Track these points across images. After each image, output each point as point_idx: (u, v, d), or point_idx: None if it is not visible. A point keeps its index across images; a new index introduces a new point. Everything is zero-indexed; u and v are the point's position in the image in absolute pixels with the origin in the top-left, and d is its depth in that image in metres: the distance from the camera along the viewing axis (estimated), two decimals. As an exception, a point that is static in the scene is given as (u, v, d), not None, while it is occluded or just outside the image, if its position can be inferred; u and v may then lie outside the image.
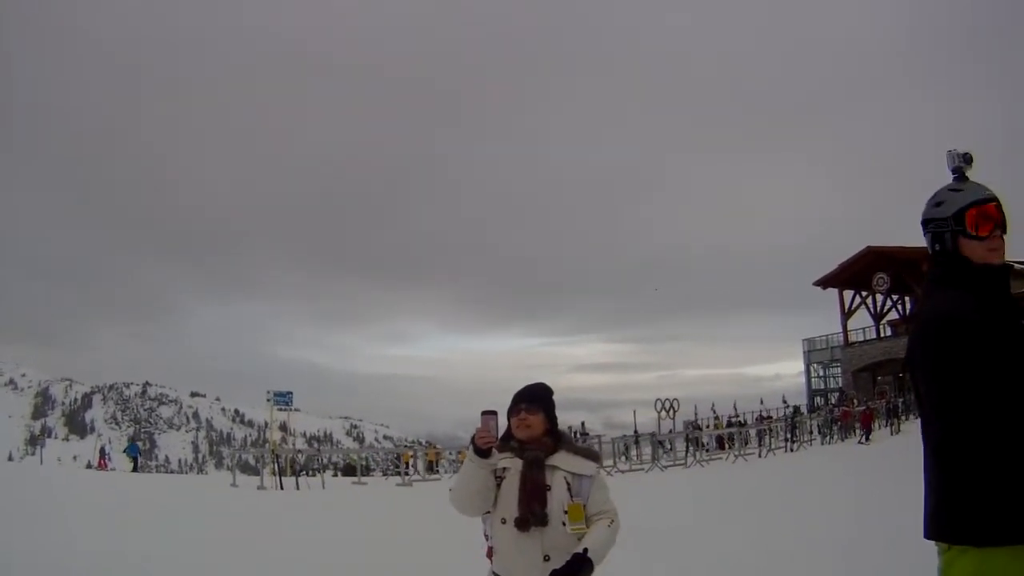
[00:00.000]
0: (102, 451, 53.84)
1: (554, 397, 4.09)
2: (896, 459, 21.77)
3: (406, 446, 51.07)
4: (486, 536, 3.93)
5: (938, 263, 3.20)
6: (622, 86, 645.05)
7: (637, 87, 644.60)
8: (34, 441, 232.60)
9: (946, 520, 2.92)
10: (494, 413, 3.83)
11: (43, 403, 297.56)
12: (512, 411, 3.94)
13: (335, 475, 35.78)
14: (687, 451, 31.85)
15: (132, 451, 43.04)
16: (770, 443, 33.47)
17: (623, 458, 32.01)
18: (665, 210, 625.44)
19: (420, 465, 34.17)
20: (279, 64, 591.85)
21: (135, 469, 39.68)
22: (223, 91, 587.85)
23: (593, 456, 3.99)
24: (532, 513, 3.67)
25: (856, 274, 52.56)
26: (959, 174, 3.19)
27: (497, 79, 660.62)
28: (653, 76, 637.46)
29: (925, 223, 3.24)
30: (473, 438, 3.75)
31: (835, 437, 35.25)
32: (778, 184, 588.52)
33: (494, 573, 3.87)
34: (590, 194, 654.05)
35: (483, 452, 3.73)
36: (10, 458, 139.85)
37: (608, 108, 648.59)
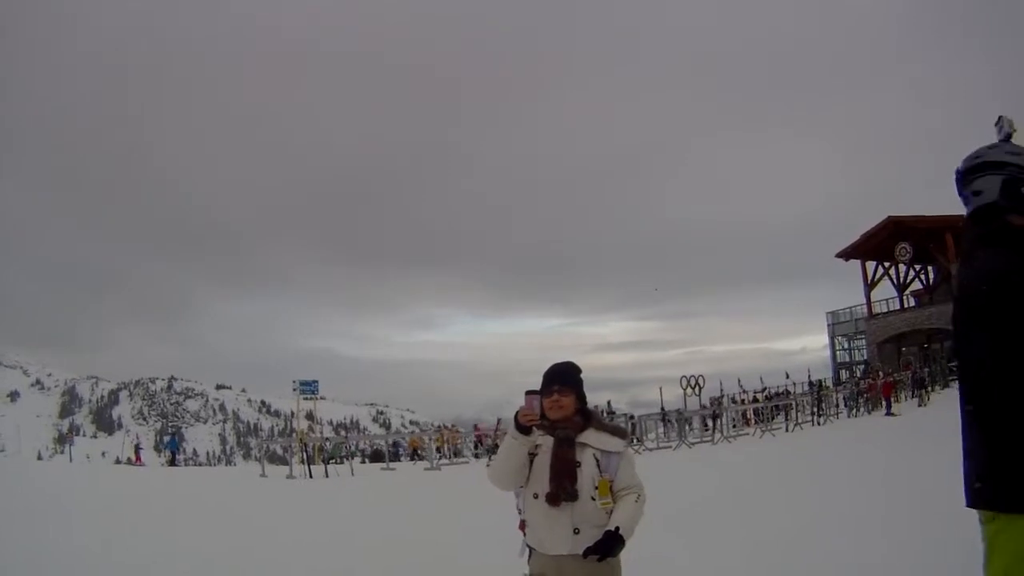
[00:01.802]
0: (137, 448, 54.53)
1: (582, 376, 4.19)
2: (925, 430, 21.72)
3: (420, 430, 51.22)
4: (519, 510, 4.08)
5: (980, 221, 3.10)
6: (642, 65, 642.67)
7: (658, 64, 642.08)
8: (62, 439, 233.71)
9: (995, 488, 2.84)
10: (538, 393, 3.97)
11: (70, 402, 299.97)
12: (545, 392, 4.01)
13: (363, 462, 35.80)
14: (713, 427, 31.78)
15: (171, 445, 43.45)
16: (796, 417, 33.34)
17: (651, 435, 32.00)
18: (686, 187, 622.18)
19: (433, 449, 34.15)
20: (290, 57, 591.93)
21: (173, 462, 39.99)
22: (236, 88, 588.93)
23: (621, 433, 4.14)
24: (563, 489, 3.82)
25: (878, 245, 52.15)
26: (1009, 141, 3.14)
27: (512, 62, 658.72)
28: (673, 53, 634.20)
29: (996, 164, 3.12)
30: (516, 415, 3.90)
31: (861, 410, 35.04)
32: (799, 156, 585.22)
33: (527, 545, 4.05)
34: (611, 173, 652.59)
35: (525, 429, 3.87)
36: (39, 457, 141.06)
37: (627, 87, 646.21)
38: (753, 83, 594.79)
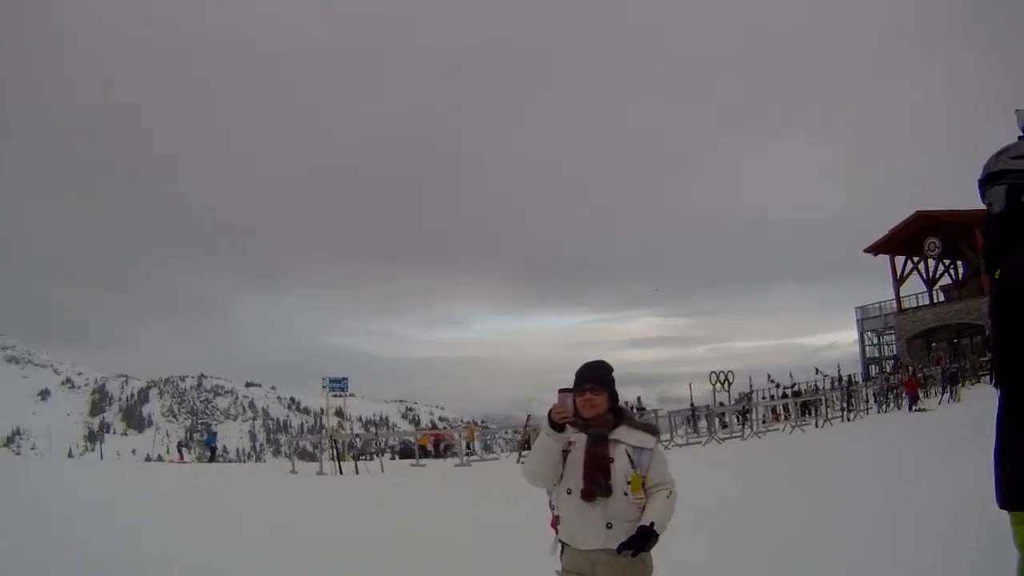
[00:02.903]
0: (179, 445, 55.34)
1: (613, 374, 4.24)
2: (956, 427, 21.42)
3: (450, 427, 51.27)
4: (551, 506, 4.20)
5: (1016, 216, 3.15)
6: (665, 63, 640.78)
7: (681, 62, 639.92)
8: (93, 437, 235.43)
9: None
10: (571, 391, 4.02)
11: (100, 400, 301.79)
12: (578, 390, 4.07)
13: (392, 458, 35.98)
14: (743, 423, 31.74)
15: (210, 441, 43.79)
16: (826, 413, 33.23)
17: (680, 431, 32.00)
18: (713, 183, 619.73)
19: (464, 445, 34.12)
20: (308, 56, 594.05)
21: (212, 459, 40.31)
22: (260, 88, 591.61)
23: (652, 430, 4.22)
24: (597, 485, 3.91)
25: (907, 240, 51.82)
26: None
27: (530, 59, 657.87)
28: (695, 51, 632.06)
29: (999, 174, 3.20)
30: (550, 413, 3.99)
31: (891, 406, 34.79)
32: (828, 152, 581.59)
33: (560, 541, 4.14)
34: (638, 170, 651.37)
35: (559, 427, 3.96)
36: (70, 455, 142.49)
37: (651, 85, 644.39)
38: (778, 80, 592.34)
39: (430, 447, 39.34)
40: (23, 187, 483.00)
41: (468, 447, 34.21)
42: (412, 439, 40.73)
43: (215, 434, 47.62)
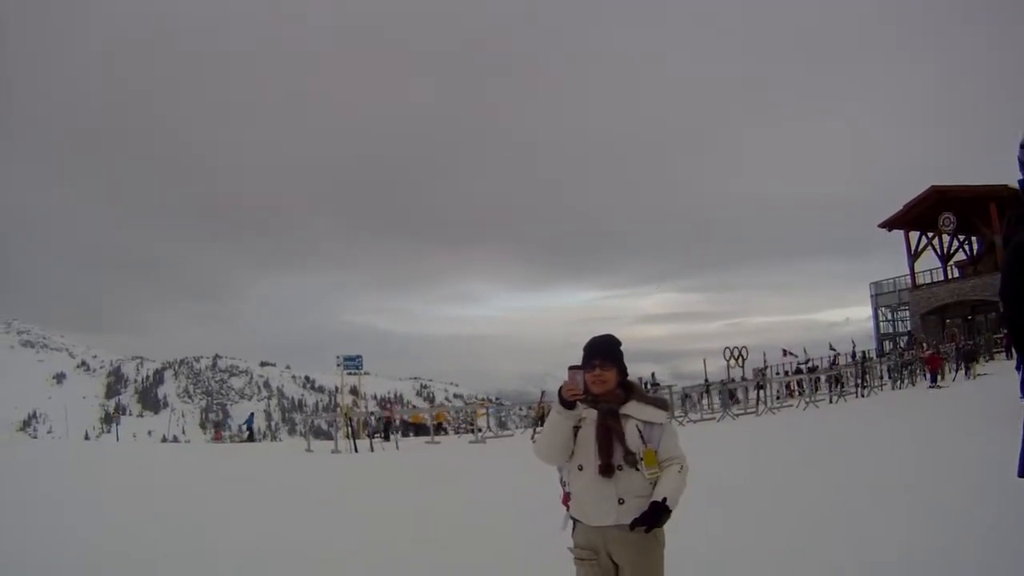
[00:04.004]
0: (217, 425, 56.08)
1: (622, 348, 4.23)
2: (974, 403, 21.37)
3: (465, 403, 51.36)
4: (563, 483, 4.17)
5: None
6: (690, 40, 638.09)
7: (704, 41, 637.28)
8: (109, 419, 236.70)
9: None
10: (581, 368, 4.01)
11: (116, 382, 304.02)
12: (586, 366, 4.05)
13: (406, 435, 36.11)
14: (757, 398, 31.73)
15: (249, 422, 44.14)
16: (840, 389, 33.21)
17: (694, 407, 32.01)
18: (728, 159, 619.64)
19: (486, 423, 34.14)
20: (327, 33, 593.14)
21: (251, 439, 40.58)
22: (273, 69, 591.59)
23: (662, 405, 4.17)
24: (619, 458, 3.88)
25: (921, 215, 51.53)
26: None
27: (549, 37, 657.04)
28: (714, 27, 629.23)
29: None
30: (560, 391, 3.96)
31: (906, 382, 34.73)
32: (840, 128, 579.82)
33: (571, 518, 4.11)
34: (651, 146, 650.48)
35: (570, 404, 3.94)
36: (86, 437, 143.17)
37: (665, 60, 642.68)
38: (793, 58, 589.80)
39: (446, 425, 39.56)
40: (38, 173, 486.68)
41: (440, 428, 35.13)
42: (427, 417, 40.91)
43: (253, 415, 47.94)
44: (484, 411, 37.96)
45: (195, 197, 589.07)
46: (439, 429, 36.78)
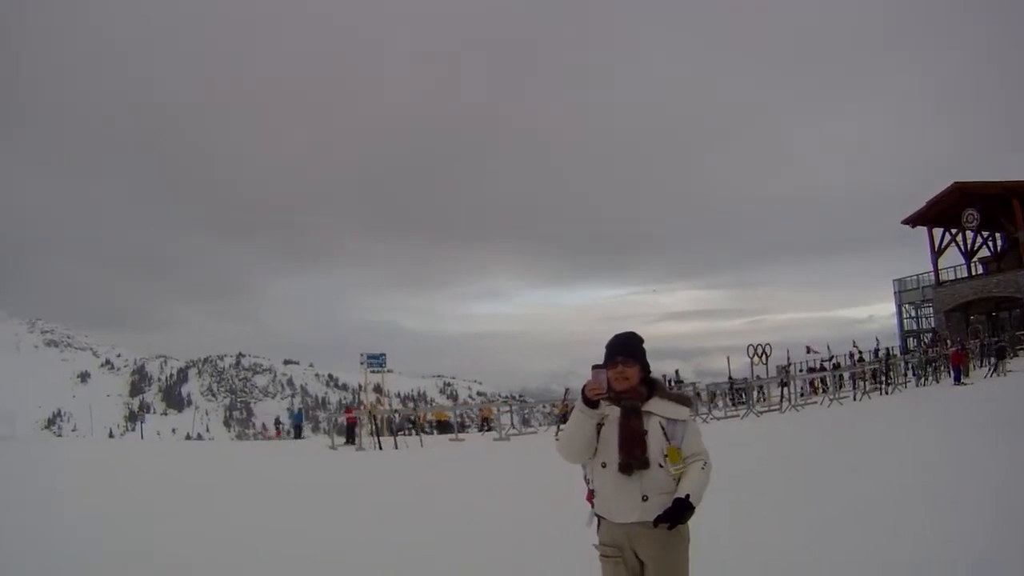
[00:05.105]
0: (276, 421, 56.35)
1: (644, 346, 4.29)
2: (1000, 401, 21.30)
3: (489, 401, 51.46)
4: (587, 480, 4.24)
5: None
6: (709, 39, 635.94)
7: (721, 38, 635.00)
8: (133, 417, 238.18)
9: None
10: (604, 367, 4.08)
11: (140, 380, 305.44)
12: (609, 364, 4.13)
13: (431, 433, 36.25)
14: (781, 396, 31.68)
15: (296, 419, 44.44)
16: (864, 386, 33.11)
17: (718, 405, 32.01)
18: (752, 156, 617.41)
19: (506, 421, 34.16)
20: (343, 30, 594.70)
21: (299, 436, 40.85)
22: (288, 65, 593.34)
23: (685, 402, 4.22)
24: (635, 457, 3.95)
25: (944, 211, 51.10)
26: None
27: (572, 32, 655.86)
28: (737, 26, 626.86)
29: None
30: (584, 389, 4.03)
31: (930, 379, 34.46)
32: (863, 125, 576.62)
33: (595, 515, 4.20)
34: (675, 143, 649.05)
35: (593, 403, 4.00)
36: (111, 435, 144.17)
37: (686, 56, 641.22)
38: (816, 55, 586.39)
39: (469, 422, 39.68)
40: (60, 176, 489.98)
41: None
42: (451, 414, 41.00)
43: (301, 412, 48.17)
44: (494, 410, 38.06)
45: (218, 195, 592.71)
46: (463, 427, 36.96)
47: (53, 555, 9.33)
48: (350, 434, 32.26)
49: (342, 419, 35.87)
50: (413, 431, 34.64)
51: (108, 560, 9.09)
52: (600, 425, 4.06)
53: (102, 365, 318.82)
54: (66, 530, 11.06)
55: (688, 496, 3.88)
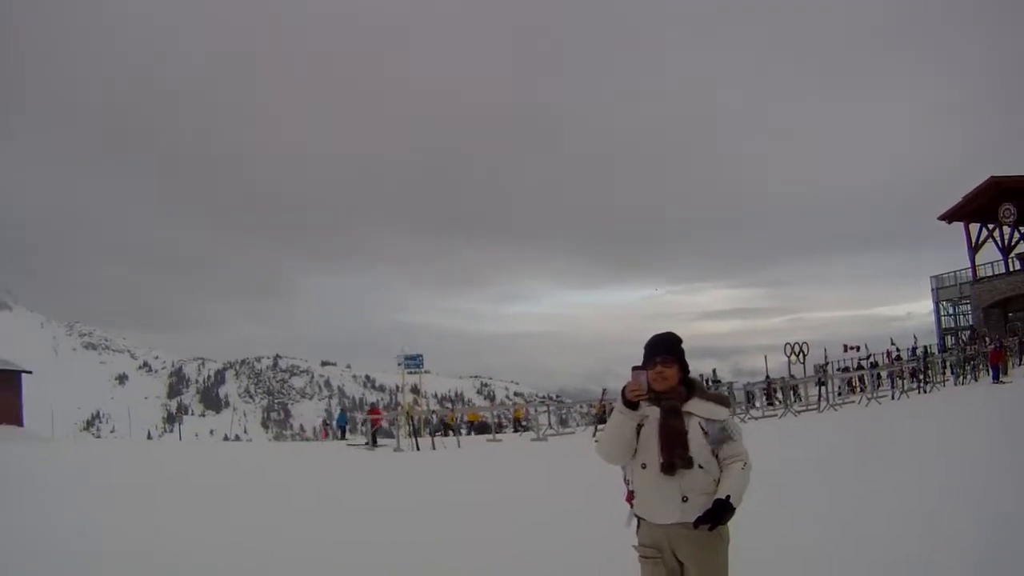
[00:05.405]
0: (324, 423, 56.86)
1: (683, 345, 4.27)
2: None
3: (526, 402, 51.60)
4: (626, 481, 4.25)
5: None
6: (744, 29, 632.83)
7: (759, 29, 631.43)
8: (171, 419, 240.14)
9: None
10: (644, 368, 4.09)
11: (177, 382, 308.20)
12: (648, 364, 4.12)
13: (468, 433, 36.48)
14: (819, 395, 31.58)
15: (341, 421, 44.82)
16: (903, 385, 32.90)
17: (755, 404, 32.00)
18: (782, 152, 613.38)
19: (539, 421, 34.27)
20: (375, 30, 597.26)
21: (343, 437, 41.26)
22: (325, 62, 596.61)
23: (724, 402, 4.23)
24: (678, 456, 3.94)
25: (981, 207, 50.53)
26: None
27: (600, 25, 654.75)
28: (768, 12, 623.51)
29: None
30: (623, 391, 4.07)
31: (969, 377, 34.15)
32: (900, 120, 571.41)
33: (635, 516, 4.20)
34: (702, 139, 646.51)
35: (633, 404, 4.04)
36: (149, 436, 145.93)
37: (729, 53, 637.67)
38: (852, 47, 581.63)
39: (506, 422, 39.85)
40: (97, 179, 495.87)
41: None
42: (488, 415, 41.17)
43: (345, 412, 48.58)
44: (531, 410, 38.19)
45: (253, 197, 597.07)
46: (499, 427, 37.16)
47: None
48: (373, 436, 32.51)
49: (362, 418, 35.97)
50: (450, 431, 34.76)
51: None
52: (640, 426, 4.08)
53: (140, 367, 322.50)
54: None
55: (728, 497, 3.89)
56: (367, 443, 31.65)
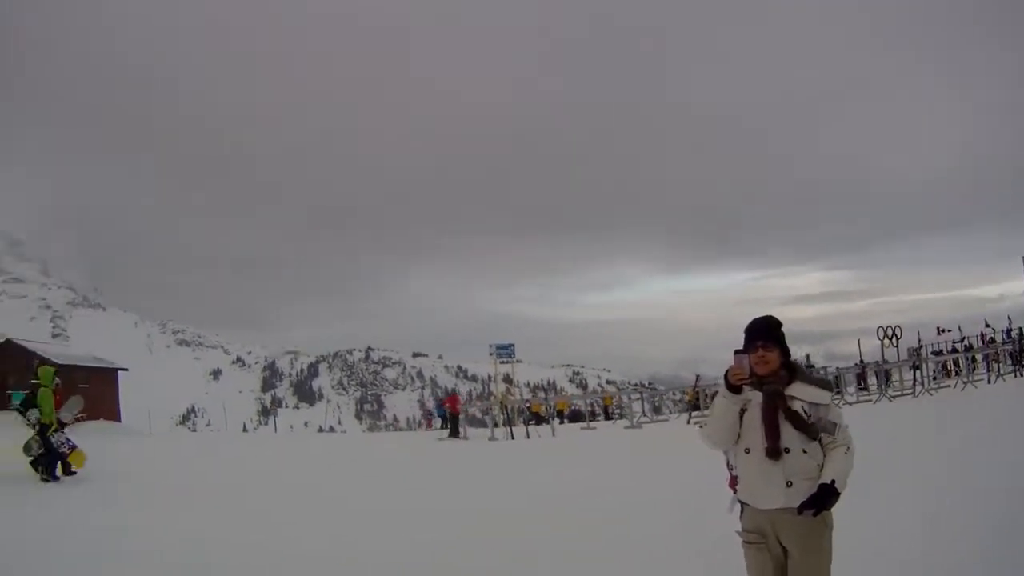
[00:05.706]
0: (429, 412, 57.87)
1: (783, 329, 4.33)
2: None
3: (618, 390, 51.64)
4: (729, 466, 4.40)
5: None
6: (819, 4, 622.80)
7: (834, 3, 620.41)
8: (266, 412, 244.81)
9: None
10: (746, 352, 4.20)
11: (271, 376, 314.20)
12: (749, 348, 4.21)
13: (562, 422, 36.83)
14: (914, 380, 31.23)
15: (439, 412, 45.78)
16: (998, 368, 32.25)
17: (850, 388, 31.76)
18: (882, 134, 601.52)
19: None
20: (466, 33, 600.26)
21: (443, 426, 42.26)
22: (421, 62, 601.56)
23: (826, 386, 4.31)
24: (780, 441, 4.06)
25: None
26: None
27: (694, 12, 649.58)
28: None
29: None
30: (726, 375, 4.20)
31: (1069, 360, 33.24)
32: (993, 100, 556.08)
33: (739, 501, 4.36)
34: (791, 120, 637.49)
35: (736, 388, 4.18)
36: (244, 429, 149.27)
37: (812, 31, 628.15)
38: (941, 27, 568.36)
39: (599, 411, 40.09)
40: (190, 193, 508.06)
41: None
42: (582, 403, 41.48)
43: (442, 402, 49.54)
44: (623, 398, 38.28)
45: (341, 196, 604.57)
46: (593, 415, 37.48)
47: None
48: (453, 425, 31.95)
49: (473, 409, 36.27)
50: (544, 421, 35.02)
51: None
52: (743, 410, 4.18)
53: (233, 362, 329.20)
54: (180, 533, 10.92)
55: (833, 482, 3.97)
56: (449, 434, 31.47)
